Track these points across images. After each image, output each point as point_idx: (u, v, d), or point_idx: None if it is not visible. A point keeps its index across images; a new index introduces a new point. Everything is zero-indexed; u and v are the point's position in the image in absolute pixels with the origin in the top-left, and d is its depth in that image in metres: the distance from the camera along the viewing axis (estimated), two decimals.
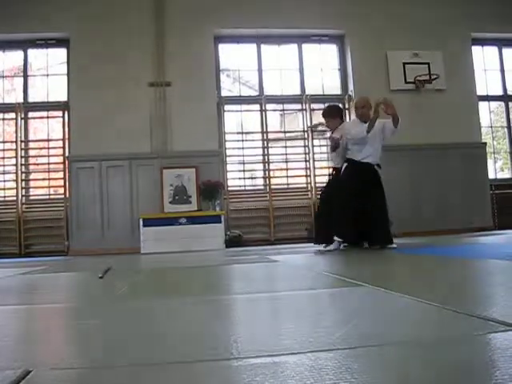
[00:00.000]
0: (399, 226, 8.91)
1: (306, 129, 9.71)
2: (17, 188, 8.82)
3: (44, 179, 9.35)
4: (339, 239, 5.58)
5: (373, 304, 1.84)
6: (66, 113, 9.03)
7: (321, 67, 10.05)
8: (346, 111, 9.76)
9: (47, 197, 9.25)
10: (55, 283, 3.55)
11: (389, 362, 1.05)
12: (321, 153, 9.75)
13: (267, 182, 9.45)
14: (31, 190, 9.32)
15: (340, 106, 7.70)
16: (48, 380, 1.00)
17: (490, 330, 1.24)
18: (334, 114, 6.16)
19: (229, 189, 9.30)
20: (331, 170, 6.40)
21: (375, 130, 5.62)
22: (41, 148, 9.50)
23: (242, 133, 9.80)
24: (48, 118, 9.37)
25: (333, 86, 10.05)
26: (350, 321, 1.47)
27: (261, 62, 9.88)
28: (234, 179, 9.58)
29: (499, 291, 1.99)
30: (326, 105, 6.94)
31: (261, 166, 9.75)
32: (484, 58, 10.46)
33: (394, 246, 5.43)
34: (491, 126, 10.66)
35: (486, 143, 9.95)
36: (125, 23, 8.89)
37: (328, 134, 6.36)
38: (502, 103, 10.67)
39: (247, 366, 1.02)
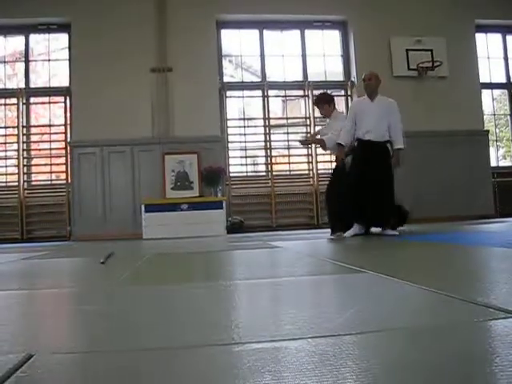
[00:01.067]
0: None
1: (308, 115, 9.69)
2: (18, 173, 8.84)
3: (46, 165, 9.35)
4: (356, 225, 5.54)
5: (374, 290, 1.84)
6: (68, 98, 9.02)
7: (323, 53, 10.01)
8: (349, 97, 9.74)
9: (49, 182, 9.27)
10: (57, 268, 3.56)
11: (389, 348, 1.06)
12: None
13: (269, 169, 9.45)
14: (33, 175, 9.33)
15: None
16: (50, 364, 1.00)
17: (490, 316, 1.24)
18: (326, 100, 6.04)
19: (231, 175, 9.30)
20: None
21: (381, 104, 5.58)
22: (42, 133, 9.49)
23: (244, 119, 9.78)
24: (50, 103, 9.36)
25: (335, 72, 10.01)
26: (351, 307, 1.47)
27: (263, 47, 9.84)
28: (236, 165, 9.57)
29: (500, 279, 1.99)
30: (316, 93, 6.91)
31: (263, 152, 9.75)
32: (488, 46, 10.40)
33: (395, 233, 5.37)
34: (494, 114, 10.63)
35: (488, 131, 9.93)
36: (127, 8, 8.85)
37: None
38: (506, 91, 10.63)
39: (248, 351, 1.03)
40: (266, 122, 9.57)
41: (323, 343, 1.07)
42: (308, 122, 9.70)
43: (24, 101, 9.05)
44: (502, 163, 10.55)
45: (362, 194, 5.38)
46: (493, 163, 9.98)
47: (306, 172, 9.59)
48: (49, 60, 9.45)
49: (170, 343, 1.14)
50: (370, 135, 5.51)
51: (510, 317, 1.21)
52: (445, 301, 1.50)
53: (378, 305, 1.54)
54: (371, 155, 5.47)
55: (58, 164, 9.23)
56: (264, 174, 9.68)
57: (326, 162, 9.66)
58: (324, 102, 5.99)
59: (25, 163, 9.02)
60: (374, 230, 5.69)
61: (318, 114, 9.59)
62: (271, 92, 9.80)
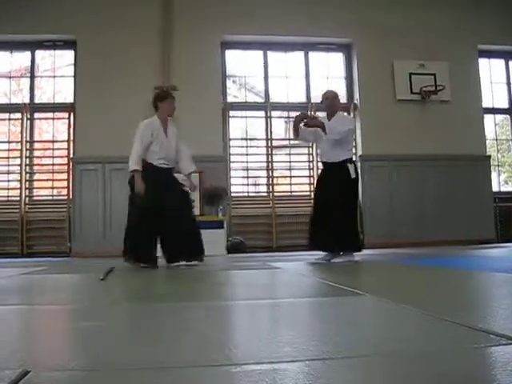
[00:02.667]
0: (402, 235, 8.96)
1: None
2: (20, 188, 8.84)
3: (48, 180, 9.36)
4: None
5: (372, 314, 1.83)
6: (72, 114, 9.05)
7: (327, 75, 10.06)
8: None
9: (50, 198, 9.26)
10: (56, 284, 3.54)
11: (388, 373, 1.05)
12: None
13: (270, 189, 9.45)
14: (35, 190, 9.33)
15: None
16: (46, 381, 0.99)
17: (490, 343, 1.23)
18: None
19: (232, 195, 9.29)
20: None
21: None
22: (45, 149, 9.51)
23: (247, 139, 9.81)
24: (54, 119, 9.39)
25: (339, 95, 10.03)
26: (348, 329, 1.47)
27: (267, 68, 9.89)
28: (238, 185, 9.57)
29: (501, 304, 1.98)
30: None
31: (264, 173, 9.75)
32: (490, 71, 10.45)
33: (348, 258, 5.08)
34: (496, 139, 10.64)
35: (490, 156, 9.94)
36: (132, 27, 8.91)
37: None
38: (508, 116, 10.66)
39: (247, 373, 1.02)
40: (269, 142, 9.59)
41: (321, 366, 1.06)
42: (310, 144, 9.71)
43: (28, 116, 9.09)
44: (504, 188, 10.53)
45: (317, 217, 5.25)
46: (494, 188, 9.97)
47: (308, 193, 9.57)
48: (54, 76, 9.50)
49: (169, 363, 1.13)
50: (323, 157, 5.46)
51: (511, 343, 1.21)
52: (445, 326, 1.50)
53: (376, 328, 1.53)
54: (325, 177, 5.40)
55: (59, 180, 9.24)
56: (265, 194, 9.68)
57: None
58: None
59: (27, 178, 9.02)
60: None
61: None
62: (274, 113, 9.83)
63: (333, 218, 5.02)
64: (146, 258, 4.98)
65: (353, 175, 5.15)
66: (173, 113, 5.42)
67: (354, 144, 5.50)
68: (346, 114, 5.69)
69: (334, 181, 5.15)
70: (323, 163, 5.45)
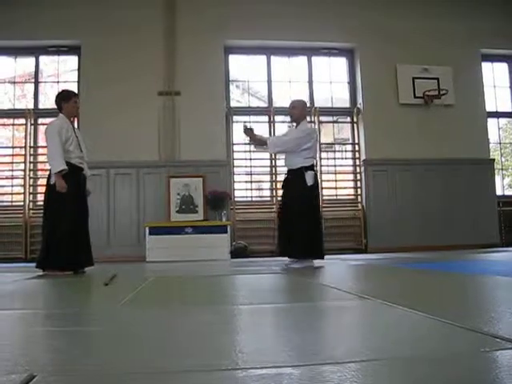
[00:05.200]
0: (406, 239, 8.95)
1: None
2: (24, 193, 8.86)
3: None
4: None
5: (378, 318, 1.83)
6: (75, 120, 9.06)
7: (330, 80, 10.07)
8: (355, 124, 9.78)
9: None
10: (60, 289, 3.55)
11: (394, 377, 1.05)
12: (328, 165, 9.75)
13: (274, 194, 9.45)
14: (39, 195, 9.33)
15: None
16: None
17: (496, 347, 1.23)
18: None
19: (235, 199, 9.29)
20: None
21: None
22: None
23: (250, 144, 9.80)
24: None
25: (341, 99, 10.06)
26: (354, 334, 1.46)
27: (270, 73, 9.91)
28: (241, 190, 9.57)
29: (506, 308, 1.97)
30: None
31: (268, 178, 9.76)
32: (494, 75, 10.45)
33: (305, 264, 5.09)
34: (499, 143, 10.64)
35: (494, 159, 9.92)
36: (136, 32, 8.94)
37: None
38: (511, 120, 10.65)
39: (252, 377, 1.02)
40: None
41: (326, 370, 1.06)
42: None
43: (32, 121, 9.12)
44: (508, 192, 10.51)
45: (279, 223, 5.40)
46: (498, 192, 9.95)
47: None
48: (58, 82, 9.53)
49: (172, 367, 1.13)
50: (285, 164, 5.59)
51: None
52: (451, 330, 1.49)
53: (382, 333, 1.52)
54: (285, 183, 5.52)
55: None
56: (269, 199, 9.68)
57: (331, 188, 9.68)
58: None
59: (31, 183, 9.04)
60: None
61: (323, 140, 9.68)
62: (277, 118, 9.83)
63: (289, 224, 5.18)
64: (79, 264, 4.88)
65: (309, 182, 5.25)
66: (76, 113, 5.50)
67: (316, 152, 5.58)
68: (308, 124, 5.82)
69: (291, 187, 5.32)
70: (287, 172, 5.55)
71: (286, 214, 5.29)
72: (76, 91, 9.04)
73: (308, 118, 9.81)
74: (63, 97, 5.32)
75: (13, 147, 9.35)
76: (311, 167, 5.37)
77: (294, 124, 5.69)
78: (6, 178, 9.22)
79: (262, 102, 10.13)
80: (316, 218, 5.34)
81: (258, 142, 5.81)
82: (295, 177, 5.31)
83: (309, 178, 5.25)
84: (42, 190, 9.42)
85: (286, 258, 5.36)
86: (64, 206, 4.81)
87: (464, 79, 9.64)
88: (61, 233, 4.76)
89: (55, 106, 5.41)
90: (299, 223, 5.13)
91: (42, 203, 9.06)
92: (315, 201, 5.38)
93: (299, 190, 5.23)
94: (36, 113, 9.18)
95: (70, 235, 4.79)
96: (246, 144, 9.69)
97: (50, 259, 4.73)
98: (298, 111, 5.59)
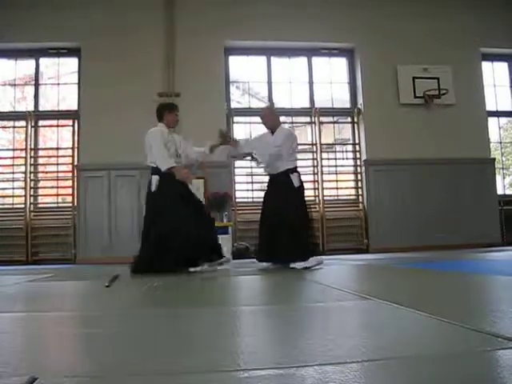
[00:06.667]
0: (407, 239, 8.94)
1: (314, 142, 9.71)
2: (25, 196, 8.85)
3: (52, 187, 9.37)
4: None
5: (381, 318, 1.82)
6: (76, 122, 9.08)
7: (330, 80, 10.07)
8: (355, 124, 9.77)
9: (55, 205, 9.28)
10: (62, 291, 3.55)
11: (396, 377, 1.05)
12: (329, 166, 9.75)
13: None
14: (39, 197, 9.35)
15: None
16: None
17: (498, 346, 1.23)
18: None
19: (237, 200, 9.29)
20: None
21: (264, 141, 5.46)
22: (50, 156, 9.52)
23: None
24: (58, 126, 9.41)
25: (342, 100, 10.06)
26: (357, 334, 1.46)
27: (270, 74, 9.90)
28: (242, 191, 9.56)
29: (508, 307, 1.97)
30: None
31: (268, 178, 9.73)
32: (494, 74, 10.45)
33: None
34: (500, 142, 10.63)
35: (494, 159, 9.91)
36: (136, 34, 8.93)
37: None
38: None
39: (254, 378, 1.02)
40: None
41: (329, 371, 1.06)
42: (314, 149, 9.71)
43: (33, 124, 9.11)
44: (509, 191, 10.51)
45: (262, 230, 5.51)
46: (499, 191, 9.94)
47: (312, 198, 9.54)
48: (58, 84, 9.53)
49: (176, 368, 1.13)
50: (266, 170, 5.63)
51: None
52: (453, 330, 1.49)
53: (384, 332, 1.52)
54: (270, 189, 5.57)
55: (64, 187, 9.27)
56: None
57: (333, 188, 9.67)
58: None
59: (32, 185, 9.04)
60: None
61: (324, 140, 9.68)
62: None
63: (282, 229, 5.13)
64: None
65: (296, 184, 5.25)
66: (175, 124, 5.65)
67: (296, 155, 5.54)
68: (284, 127, 5.78)
69: (278, 191, 5.29)
70: (269, 175, 5.57)
71: (278, 219, 5.20)
72: (76, 93, 9.18)
73: (308, 119, 9.86)
74: (169, 107, 5.58)
75: (13, 149, 9.36)
76: (295, 169, 5.37)
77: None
78: (7, 181, 9.23)
79: (262, 103, 10.12)
80: (309, 218, 5.35)
81: (233, 153, 5.78)
82: (281, 180, 5.30)
83: (295, 179, 5.26)
84: (42, 192, 9.44)
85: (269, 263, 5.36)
86: (178, 207, 5.20)
87: (464, 79, 9.63)
88: (182, 234, 5.03)
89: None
90: (299, 227, 5.11)
91: (43, 205, 9.17)
92: (303, 202, 5.35)
93: (288, 193, 5.23)
94: (36, 115, 9.17)
95: (190, 235, 5.05)
96: None
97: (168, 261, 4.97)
98: (270, 118, 5.52)
